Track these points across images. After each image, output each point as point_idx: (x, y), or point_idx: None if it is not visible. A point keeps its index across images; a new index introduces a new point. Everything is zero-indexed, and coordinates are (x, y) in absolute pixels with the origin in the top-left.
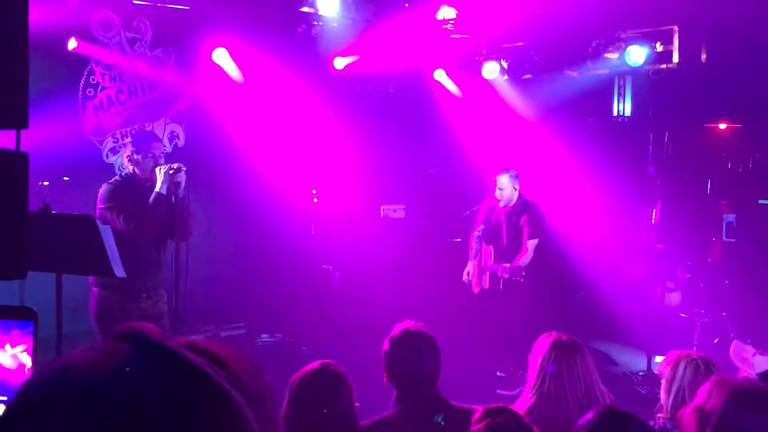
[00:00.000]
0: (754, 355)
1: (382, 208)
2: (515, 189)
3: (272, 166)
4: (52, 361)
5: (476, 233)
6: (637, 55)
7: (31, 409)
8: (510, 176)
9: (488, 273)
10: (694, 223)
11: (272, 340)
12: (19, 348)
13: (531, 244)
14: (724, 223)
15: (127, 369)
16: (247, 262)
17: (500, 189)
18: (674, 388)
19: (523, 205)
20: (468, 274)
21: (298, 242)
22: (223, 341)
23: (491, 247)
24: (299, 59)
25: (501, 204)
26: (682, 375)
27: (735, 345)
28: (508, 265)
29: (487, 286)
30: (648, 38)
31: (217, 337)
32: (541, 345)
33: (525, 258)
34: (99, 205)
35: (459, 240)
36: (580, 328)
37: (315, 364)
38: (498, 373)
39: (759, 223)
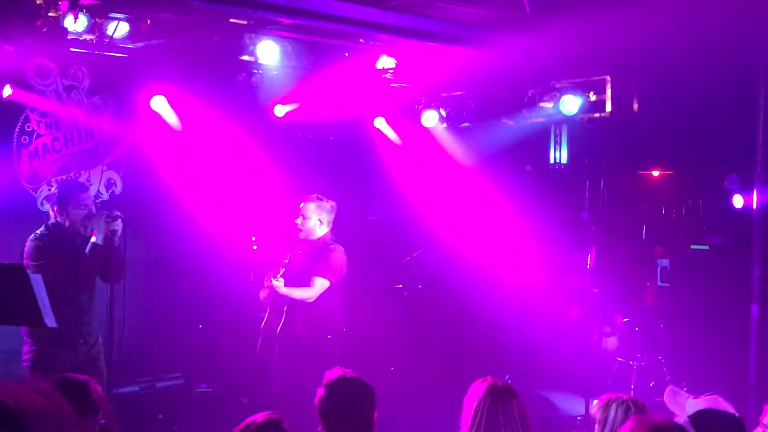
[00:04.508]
0: (686, 399)
1: None
2: (322, 223)
3: (211, 214)
4: None
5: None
6: (570, 104)
7: None
8: (317, 206)
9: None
10: (629, 267)
11: (210, 390)
12: None
13: (318, 282)
14: (658, 268)
15: None
16: (185, 310)
17: (303, 217)
18: (606, 431)
19: (325, 244)
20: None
21: (237, 290)
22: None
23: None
24: (239, 107)
25: (301, 235)
26: (613, 417)
27: (669, 390)
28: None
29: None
30: (581, 88)
31: (153, 388)
32: (476, 390)
33: (306, 291)
34: (25, 262)
35: (400, 286)
36: (518, 372)
37: (261, 417)
38: None
39: (692, 267)
